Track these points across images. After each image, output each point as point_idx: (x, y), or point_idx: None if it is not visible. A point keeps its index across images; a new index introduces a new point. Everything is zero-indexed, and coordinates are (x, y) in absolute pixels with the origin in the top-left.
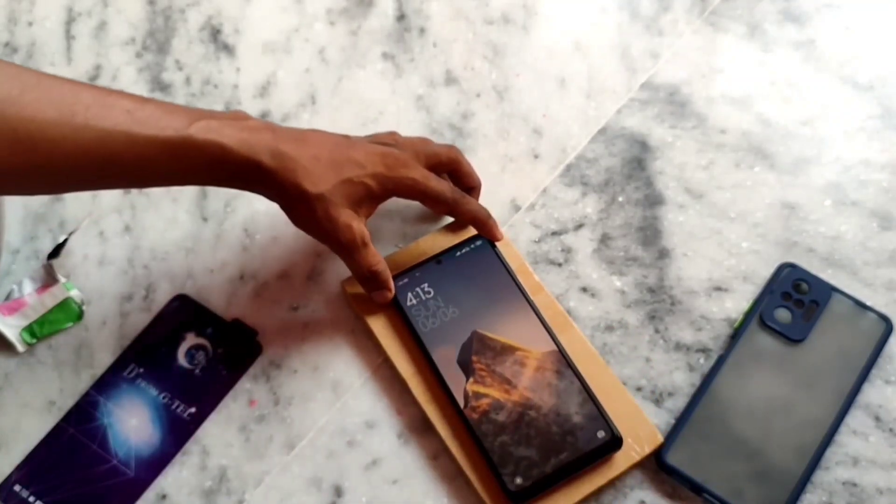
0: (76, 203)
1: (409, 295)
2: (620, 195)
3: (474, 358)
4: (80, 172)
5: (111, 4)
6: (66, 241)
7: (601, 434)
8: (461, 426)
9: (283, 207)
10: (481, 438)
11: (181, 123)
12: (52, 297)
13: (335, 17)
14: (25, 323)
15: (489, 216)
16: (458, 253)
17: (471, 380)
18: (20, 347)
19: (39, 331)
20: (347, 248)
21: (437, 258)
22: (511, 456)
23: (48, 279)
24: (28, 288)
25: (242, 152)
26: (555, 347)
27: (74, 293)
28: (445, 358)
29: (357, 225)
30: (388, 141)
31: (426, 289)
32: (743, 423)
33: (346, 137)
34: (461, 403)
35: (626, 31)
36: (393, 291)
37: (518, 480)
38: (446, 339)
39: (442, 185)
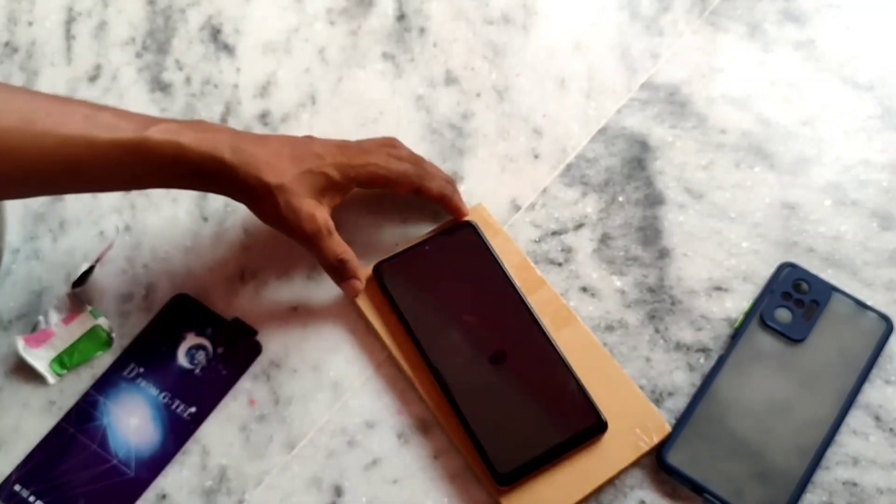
0: (77, 203)
1: (397, 280)
2: (620, 195)
3: (461, 341)
4: (42, 178)
5: (111, 4)
6: (91, 268)
7: (587, 418)
8: (453, 414)
9: (247, 204)
10: (470, 422)
11: (138, 126)
12: (79, 327)
13: (335, 17)
14: (54, 354)
15: (454, 192)
16: (445, 239)
17: (459, 363)
18: (51, 379)
19: (69, 361)
20: (312, 238)
21: (424, 243)
22: (500, 439)
23: (74, 308)
24: (54, 318)
25: (202, 149)
26: (541, 332)
27: (102, 320)
28: (434, 341)
29: (321, 214)
30: (350, 141)
31: (413, 273)
32: (743, 423)
33: (307, 136)
34: (451, 387)
35: (626, 31)
36: (363, 282)
37: (506, 463)
38: (434, 323)
39: (403, 165)
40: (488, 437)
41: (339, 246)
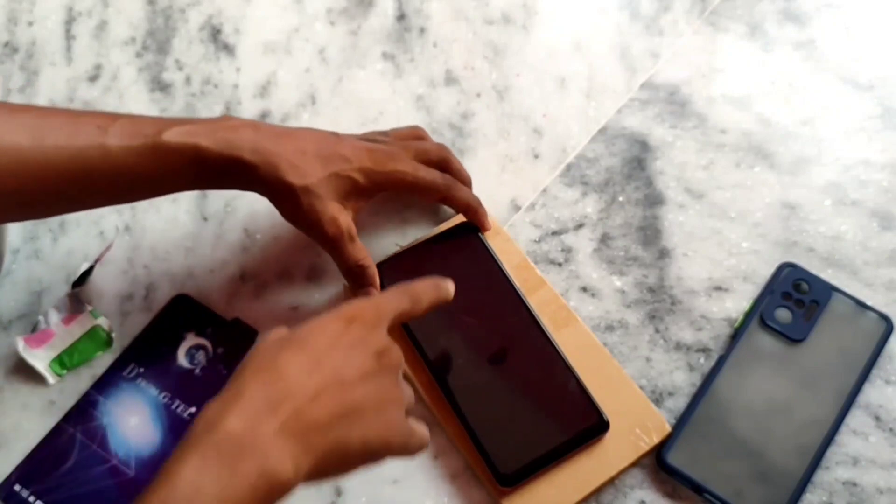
0: None
1: (397, 281)
2: (620, 195)
3: (461, 343)
4: (58, 194)
5: (111, 4)
6: (91, 268)
7: (589, 418)
8: (453, 415)
9: (271, 201)
10: (471, 423)
11: (153, 131)
12: (79, 327)
13: (335, 17)
14: (54, 354)
15: (480, 204)
16: (445, 240)
17: (459, 364)
18: (51, 379)
19: (69, 361)
20: (333, 242)
21: (425, 244)
22: (501, 440)
23: (74, 308)
24: (54, 318)
25: (220, 150)
26: (542, 333)
27: (101, 320)
28: (435, 343)
29: (344, 218)
30: (379, 138)
31: (413, 275)
32: (743, 423)
33: (334, 133)
34: (452, 388)
35: (626, 31)
36: (379, 290)
37: (509, 464)
38: (435, 324)
39: (432, 174)
40: (490, 438)
41: (359, 252)
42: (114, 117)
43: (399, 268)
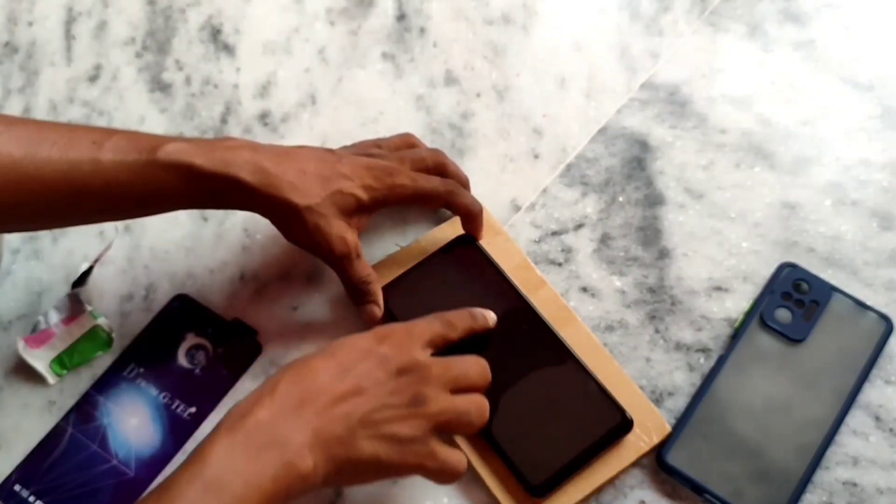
0: None
1: (401, 303)
2: (620, 195)
3: (474, 357)
4: (49, 207)
5: (111, 4)
6: (91, 268)
7: (612, 417)
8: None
9: (273, 223)
10: (496, 436)
11: (148, 148)
12: (79, 327)
13: (335, 17)
14: (54, 354)
15: (481, 211)
16: (445, 256)
17: None
18: (51, 380)
19: (69, 361)
20: (341, 260)
21: (424, 263)
22: (528, 450)
23: (74, 309)
24: (54, 318)
25: (215, 169)
26: (555, 337)
27: (102, 321)
28: None
29: (351, 236)
30: (372, 150)
31: (419, 296)
32: (743, 423)
33: (331, 151)
34: None
35: (625, 31)
36: (382, 308)
37: (539, 474)
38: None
39: (431, 182)
40: (517, 450)
41: (364, 269)
42: (110, 133)
43: (404, 288)
